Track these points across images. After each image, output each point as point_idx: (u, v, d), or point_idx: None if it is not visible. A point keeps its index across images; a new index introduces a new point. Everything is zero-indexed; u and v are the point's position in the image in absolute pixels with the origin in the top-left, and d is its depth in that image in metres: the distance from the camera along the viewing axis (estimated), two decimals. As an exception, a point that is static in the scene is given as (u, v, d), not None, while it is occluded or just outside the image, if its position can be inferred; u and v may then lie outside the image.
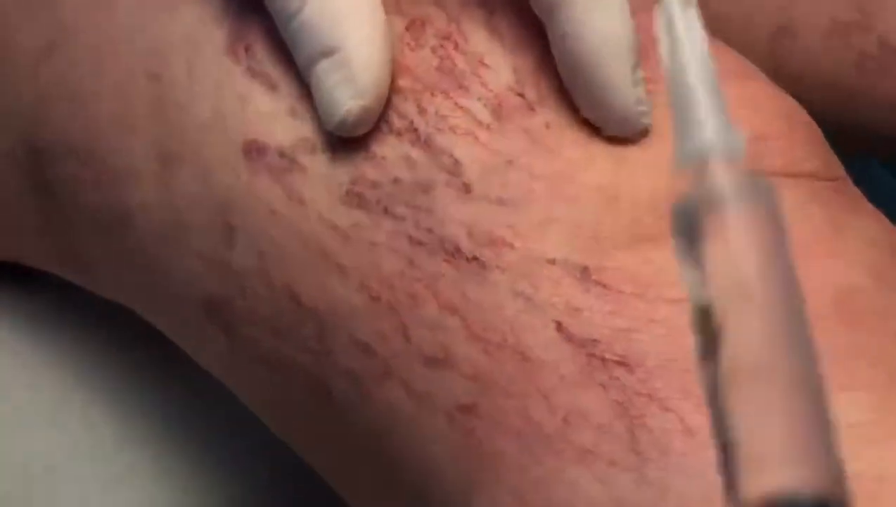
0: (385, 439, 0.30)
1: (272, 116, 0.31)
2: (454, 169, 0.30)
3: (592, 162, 0.30)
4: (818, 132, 0.33)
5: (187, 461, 0.42)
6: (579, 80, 0.30)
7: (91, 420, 0.41)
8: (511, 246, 0.29)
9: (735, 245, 0.17)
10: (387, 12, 0.31)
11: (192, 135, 0.32)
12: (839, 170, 0.33)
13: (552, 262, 0.29)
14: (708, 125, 0.18)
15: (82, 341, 0.43)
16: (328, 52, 0.29)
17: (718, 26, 0.43)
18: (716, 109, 0.18)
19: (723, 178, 0.18)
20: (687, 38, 0.19)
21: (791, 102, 0.33)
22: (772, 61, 0.44)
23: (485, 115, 0.30)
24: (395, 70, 0.31)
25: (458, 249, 0.29)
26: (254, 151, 0.31)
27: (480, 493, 0.29)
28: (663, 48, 0.19)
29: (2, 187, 0.37)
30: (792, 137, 0.32)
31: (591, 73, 0.29)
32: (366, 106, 0.29)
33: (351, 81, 0.29)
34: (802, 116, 0.33)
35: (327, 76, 0.30)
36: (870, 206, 0.33)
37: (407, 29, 0.31)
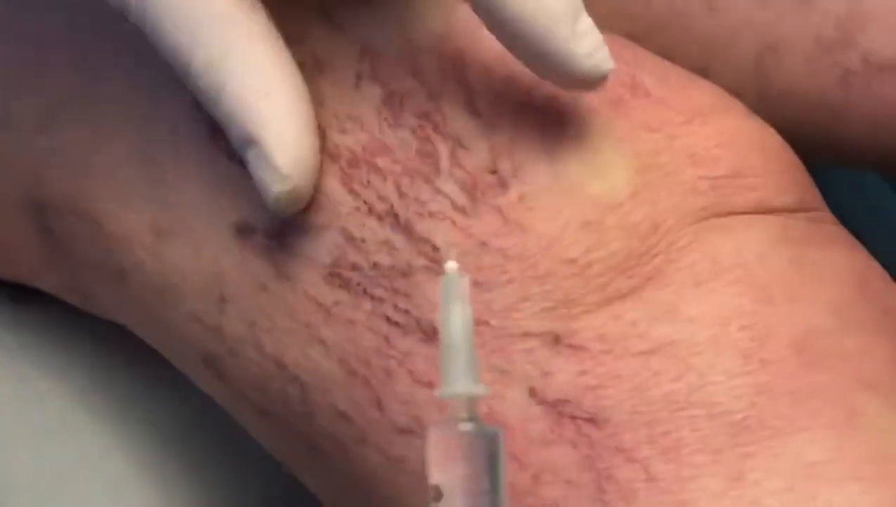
0: (370, 493, 0.32)
1: (258, 199, 0.31)
2: (433, 255, 0.31)
3: (565, 233, 0.30)
4: (794, 162, 0.34)
5: (194, 466, 0.43)
6: (529, 55, 0.29)
7: (97, 427, 0.43)
8: (486, 324, 0.30)
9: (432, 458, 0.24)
10: (363, 78, 0.32)
11: (183, 211, 0.33)
12: (815, 201, 0.34)
13: (526, 334, 0.30)
14: (460, 379, 0.24)
15: (88, 349, 0.44)
16: (249, 141, 0.30)
17: (704, 46, 0.44)
18: (468, 366, 0.24)
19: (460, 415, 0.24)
20: (458, 303, 0.24)
21: (767, 134, 0.34)
22: (757, 80, 0.44)
23: (461, 198, 0.31)
24: (374, 148, 0.31)
25: (434, 330, 0.30)
26: (245, 231, 0.32)
27: None
28: (441, 310, 0.25)
29: (12, 227, 0.39)
30: (766, 170, 0.32)
31: (535, 45, 0.29)
32: (292, 189, 0.30)
33: (273, 168, 0.30)
34: (779, 147, 0.33)
35: (254, 163, 0.30)
36: (843, 234, 0.33)
37: (384, 103, 0.32)
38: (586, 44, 0.29)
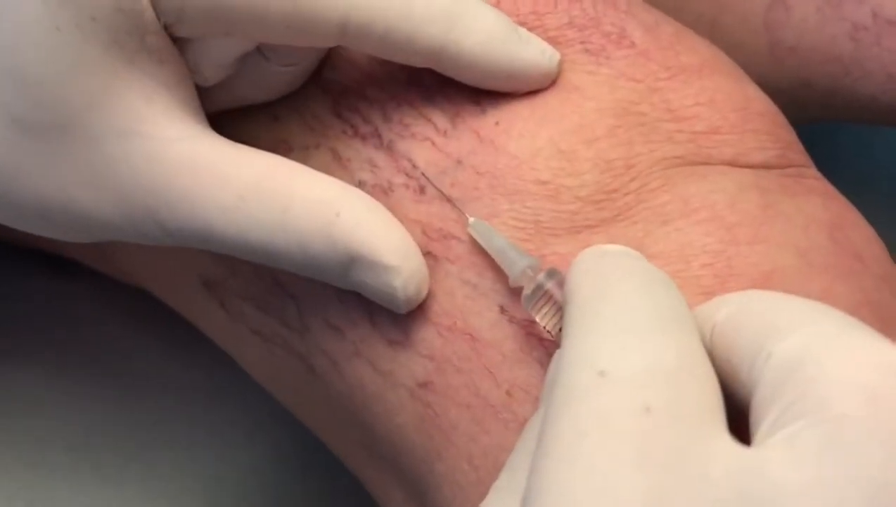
0: (361, 411, 0.33)
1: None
2: (412, 172, 0.32)
3: (536, 157, 0.32)
4: (780, 123, 0.34)
5: (209, 426, 0.45)
6: (499, 83, 0.32)
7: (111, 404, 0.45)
8: (459, 239, 0.32)
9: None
10: None
11: None
12: (798, 157, 0.34)
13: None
14: (517, 262, 0.30)
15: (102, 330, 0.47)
16: (350, 262, 0.31)
17: (714, 1, 0.45)
18: (515, 251, 0.31)
19: (539, 280, 0.30)
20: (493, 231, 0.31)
21: (753, 96, 0.34)
22: (767, 34, 0.44)
23: (443, 122, 0.33)
24: (364, 81, 0.33)
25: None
26: None
27: (440, 461, 0.31)
28: (480, 241, 0.31)
29: None
30: (743, 129, 0.33)
31: (502, 73, 0.32)
32: (409, 276, 0.31)
33: (383, 269, 0.31)
34: (763, 109, 0.34)
35: (362, 278, 0.31)
36: (824, 186, 0.34)
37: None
38: (536, 44, 0.32)
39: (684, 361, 0.24)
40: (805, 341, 0.23)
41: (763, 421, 0.23)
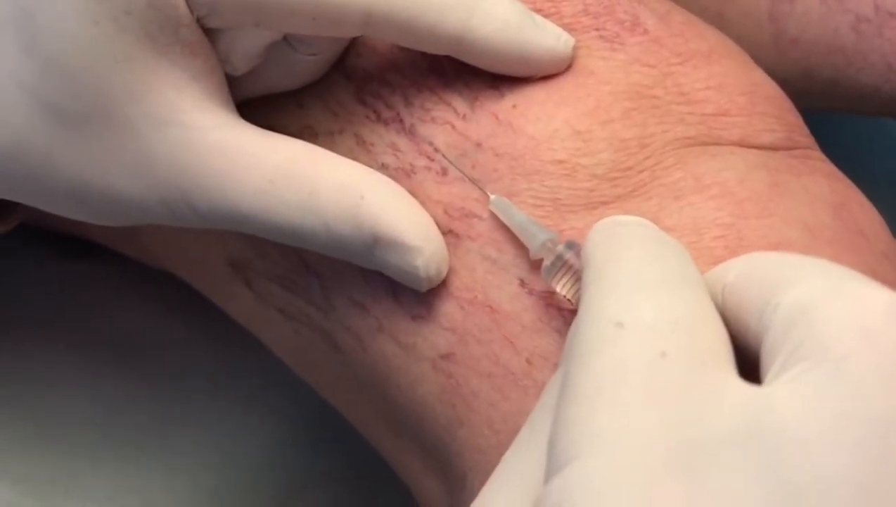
0: (384, 384, 0.34)
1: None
2: (433, 155, 0.33)
3: (553, 138, 0.33)
4: (787, 107, 0.35)
5: (230, 408, 0.46)
6: (516, 68, 0.33)
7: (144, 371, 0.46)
8: (480, 218, 0.33)
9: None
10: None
11: None
12: (804, 139, 0.35)
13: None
14: (537, 236, 0.31)
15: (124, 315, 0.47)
16: (373, 243, 0.32)
17: (720, -8, 0.46)
18: (535, 226, 0.32)
19: (558, 251, 0.31)
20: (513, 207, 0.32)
21: (760, 80, 0.35)
22: (771, 25, 0.45)
23: (462, 107, 0.34)
24: (385, 66, 0.34)
25: (437, 225, 0.33)
26: None
27: (462, 427, 0.33)
28: (501, 217, 0.32)
29: None
30: (751, 112, 0.34)
31: (519, 58, 0.33)
32: (430, 256, 0.32)
33: (405, 248, 0.32)
34: (770, 93, 0.35)
35: (385, 258, 0.32)
36: (828, 167, 0.35)
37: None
38: (551, 29, 0.33)
39: (695, 312, 0.25)
40: (810, 290, 0.25)
41: (772, 366, 0.24)
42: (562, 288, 0.30)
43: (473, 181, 0.33)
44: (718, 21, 0.46)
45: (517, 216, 0.32)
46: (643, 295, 0.25)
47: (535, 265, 0.32)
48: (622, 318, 0.25)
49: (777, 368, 0.24)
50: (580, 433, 0.23)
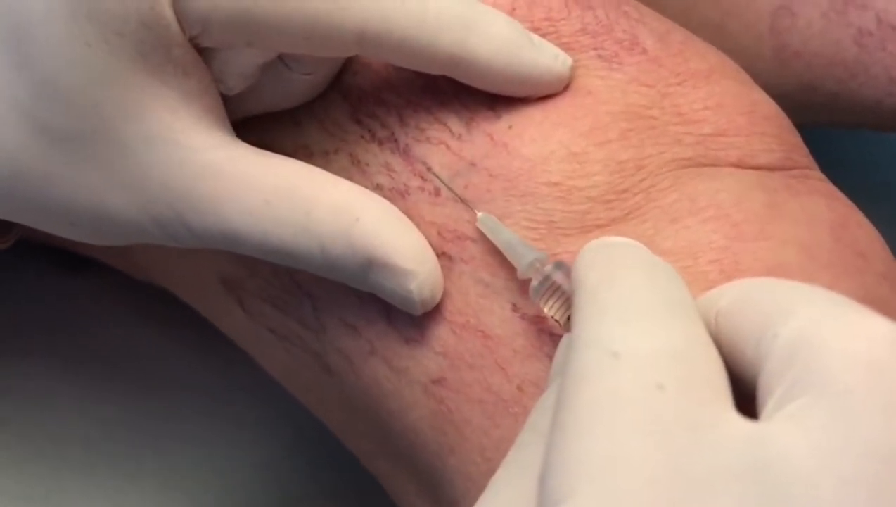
0: (376, 408, 0.34)
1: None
2: (427, 175, 0.33)
3: (549, 160, 0.32)
4: (786, 126, 0.35)
5: (231, 424, 0.45)
6: (514, 88, 0.33)
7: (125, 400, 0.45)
8: (473, 240, 0.32)
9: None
10: None
11: None
12: (803, 159, 0.35)
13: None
14: (525, 255, 0.31)
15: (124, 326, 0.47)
16: (367, 266, 0.32)
17: (720, 7, 0.45)
18: (523, 246, 0.31)
19: (546, 271, 0.31)
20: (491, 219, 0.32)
21: (759, 100, 0.35)
22: (772, 39, 0.45)
23: (458, 127, 0.33)
24: (381, 85, 0.34)
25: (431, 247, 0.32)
26: None
27: (453, 455, 0.32)
28: (488, 235, 0.32)
29: None
30: (751, 132, 0.34)
31: (518, 78, 0.32)
32: (423, 279, 0.32)
33: (398, 271, 0.31)
34: (769, 112, 0.35)
35: (379, 282, 0.32)
36: (827, 188, 0.34)
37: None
38: (549, 49, 0.33)
39: (692, 343, 0.25)
40: (809, 320, 0.24)
41: (770, 398, 0.24)
42: (550, 309, 0.30)
43: (462, 200, 0.32)
44: (719, 34, 0.45)
45: (505, 234, 0.32)
46: (639, 324, 0.25)
47: (527, 289, 0.31)
48: (618, 348, 0.24)
49: (776, 400, 0.24)
50: (575, 469, 0.23)
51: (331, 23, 0.30)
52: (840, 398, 0.23)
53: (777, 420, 0.23)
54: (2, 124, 0.31)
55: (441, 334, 0.32)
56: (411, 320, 0.33)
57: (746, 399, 0.25)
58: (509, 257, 0.31)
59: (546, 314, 0.30)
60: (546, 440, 0.24)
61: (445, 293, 0.32)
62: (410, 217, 0.32)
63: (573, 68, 0.33)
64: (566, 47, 0.34)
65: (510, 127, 0.33)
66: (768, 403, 0.24)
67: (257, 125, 0.35)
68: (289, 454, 0.45)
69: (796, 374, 0.24)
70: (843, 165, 0.44)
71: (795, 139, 0.35)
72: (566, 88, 0.33)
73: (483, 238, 0.32)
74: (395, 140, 0.34)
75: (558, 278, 0.30)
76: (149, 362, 0.46)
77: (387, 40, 0.31)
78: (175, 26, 0.30)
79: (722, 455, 0.23)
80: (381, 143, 0.34)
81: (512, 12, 0.34)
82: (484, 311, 0.32)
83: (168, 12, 0.30)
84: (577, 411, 0.24)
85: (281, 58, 0.33)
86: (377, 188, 0.33)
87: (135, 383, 0.46)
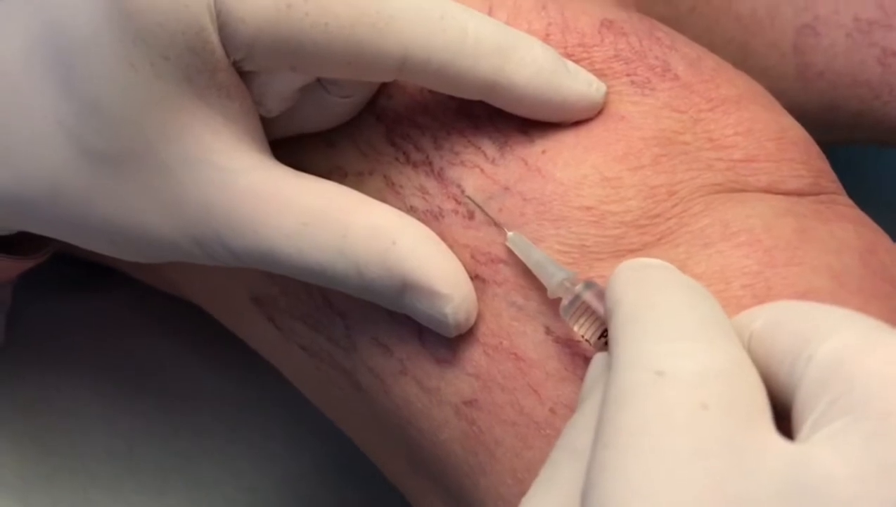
0: (405, 426, 0.34)
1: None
2: (461, 198, 0.33)
3: (582, 184, 0.33)
4: (814, 152, 0.35)
5: (254, 438, 0.46)
6: (549, 114, 0.33)
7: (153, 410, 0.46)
8: (506, 263, 0.33)
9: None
10: None
11: None
12: (831, 185, 0.35)
13: None
14: (555, 275, 0.31)
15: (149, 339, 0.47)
16: (403, 290, 0.32)
17: (744, 25, 0.45)
18: (553, 265, 0.32)
19: (576, 291, 0.31)
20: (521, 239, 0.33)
21: (788, 126, 0.35)
22: (796, 58, 0.45)
23: (492, 150, 0.34)
24: (415, 108, 0.34)
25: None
26: None
27: (485, 476, 0.32)
28: (519, 254, 0.32)
29: None
30: (781, 158, 0.34)
31: (554, 105, 0.33)
32: (459, 303, 0.32)
33: (435, 296, 0.32)
34: (798, 138, 0.35)
35: (415, 304, 0.32)
36: (856, 213, 0.35)
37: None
38: (583, 76, 0.33)
39: (734, 364, 0.25)
40: (845, 342, 0.24)
41: (807, 419, 0.24)
42: (580, 328, 0.30)
43: (494, 221, 0.33)
44: (743, 53, 0.46)
45: (535, 254, 0.32)
46: (682, 344, 0.25)
47: (559, 311, 0.31)
48: (662, 366, 0.25)
49: (813, 421, 0.24)
50: (623, 488, 0.23)
51: (374, 49, 0.31)
52: (880, 421, 0.23)
53: (816, 442, 0.24)
54: (46, 143, 0.31)
55: (473, 356, 0.33)
56: (443, 340, 0.33)
57: (778, 419, 0.25)
58: (539, 276, 0.32)
59: (576, 333, 0.31)
60: (582, 458, 0.25)
61: (478, 315, 0.33)
62: (444, 240, 0.33)
63: (606, 94, 0.33)
64: (599, 73, 0.34)
65: (543, 152, 0.33)
66: (805, 424, 0.24)
67: (292, 145, 0.35)
68: (317, 469, 0.45)
69: (833, 396, 0.24)
70: (865, 182, 0.44)
71: (823, 164, 0.35)
72: (599, 113, 0.33)
73: (515, 261, 0.32)
74: (430, 163, 0.34)
75: (588, 297, 0.30)
76: (176, 376, 0.47)
77: (427, 66, 0.31)
78: (220, 51, 0.31)
79: (766, 477, 0.23)
80: (415, 165, 0.34)
81: (546, 38, 0.34)
82: (517, 333, 0.32)
83: (214, 37, 0.30)
84: (623, 429, 0.24)
85: (319, 81, 0.33)
86: (411, 210, 0.34)
87: (162, 397, 0.46)
